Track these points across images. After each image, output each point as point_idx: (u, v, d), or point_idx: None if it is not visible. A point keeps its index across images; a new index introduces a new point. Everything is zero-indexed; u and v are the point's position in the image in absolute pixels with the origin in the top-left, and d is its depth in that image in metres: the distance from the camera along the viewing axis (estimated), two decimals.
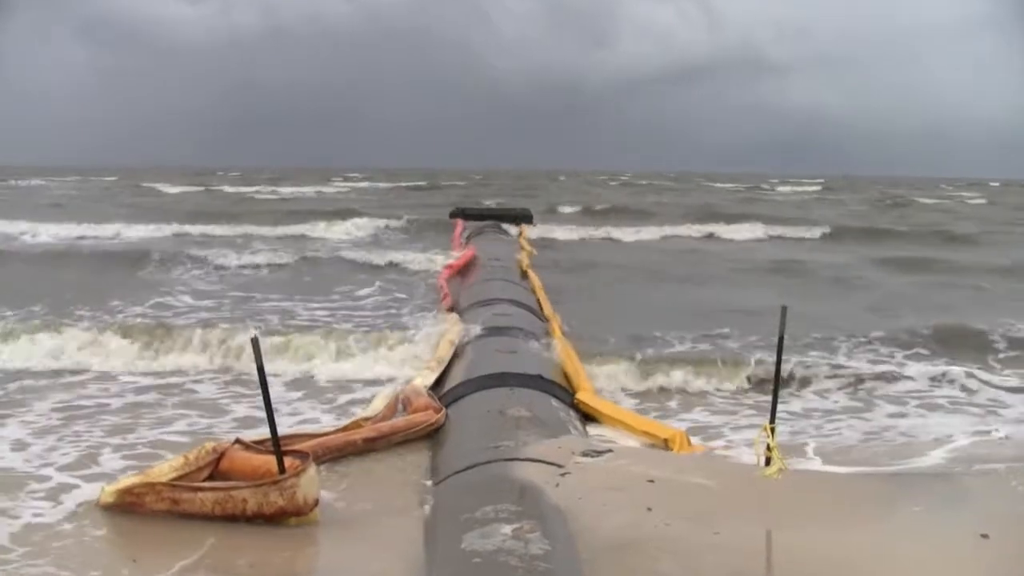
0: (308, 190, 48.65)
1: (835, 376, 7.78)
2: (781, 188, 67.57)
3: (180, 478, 4.29)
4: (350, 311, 11.09)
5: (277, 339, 8.35)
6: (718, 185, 71.43)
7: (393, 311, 11.06)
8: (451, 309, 9.85)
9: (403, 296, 12.35)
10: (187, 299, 11.81)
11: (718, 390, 7.49)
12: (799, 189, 65.67)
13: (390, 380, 7.22)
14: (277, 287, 12.90)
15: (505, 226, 22.00)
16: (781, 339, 4.42)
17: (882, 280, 15.25)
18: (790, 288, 13.79)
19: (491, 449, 4.69)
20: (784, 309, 4.38)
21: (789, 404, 6.99)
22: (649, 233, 24.17)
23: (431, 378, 6.69)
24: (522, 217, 24.96)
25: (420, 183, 59.38)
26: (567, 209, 32.67)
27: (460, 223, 22.14)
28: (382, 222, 24.51)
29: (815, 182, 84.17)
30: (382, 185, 58.80)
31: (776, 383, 4.50)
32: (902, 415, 6.90)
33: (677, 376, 7.57)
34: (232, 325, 8.96)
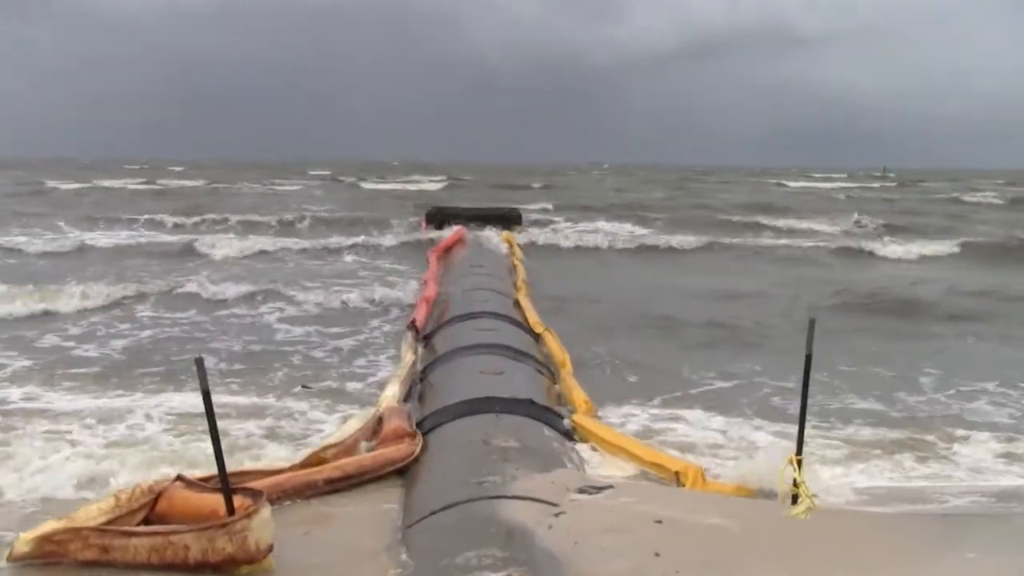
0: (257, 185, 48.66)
1: None
2: (845, 184, 67.08)
3: (110, 522, 4.20)
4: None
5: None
6: (768, 181, 70.13)
7: None
8: (415, 326, 9.86)
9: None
10: None
11: None
12: (865, 184, 65.52)
13: None
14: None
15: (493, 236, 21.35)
16: (808, 358, 4.41)
17: None
18: None
19: (474, 485, 4.67)
20: (812, 322, 4.37)
21: None
22: (721, 243, 23.00)
23: (397, 389, 6.83)
24: (510, 218, 24.81)
25: (412, 179, 58.95)
26: (598, 213, 31.65)
27: (463, 230, 21.02)
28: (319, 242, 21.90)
29: (879, 173, 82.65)
30: (343, 181, 58.65)
31: (803, 408, 4.48)
32: None
33: None
34: None
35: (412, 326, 9.82)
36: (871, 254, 21.73)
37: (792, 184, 66.20)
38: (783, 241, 24.51)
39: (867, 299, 14.24)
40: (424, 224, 24.28)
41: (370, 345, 10.58)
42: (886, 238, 24.45)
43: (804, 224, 28.90)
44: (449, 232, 21.17)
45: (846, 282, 16.11)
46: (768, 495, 4.91)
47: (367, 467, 5.38)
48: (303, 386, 8.31)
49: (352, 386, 8.61)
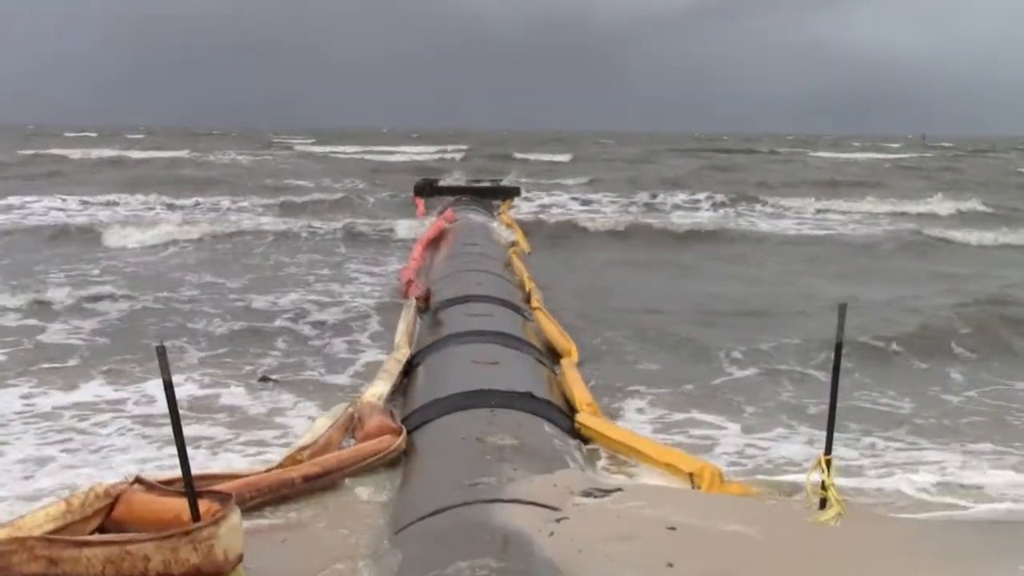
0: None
1: None
2: (899, 155, 65.66)
3: (60, 530, 4.14)
4: None
5: None
6: (817, 155, 67.13)
7: None
8: (427, 299, 9.90)
9: None
10: None
11: None
12: (921, 154, 64.92)
13: None
14: None
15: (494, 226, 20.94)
16: (839, 346, 4.34)
17: None
18: None
19: (467, 487, 4.64)
20: (843, 307, 4.30)
21: None
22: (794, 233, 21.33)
23: (385, 388, 6.75)
24: (507, 192, 24.85)
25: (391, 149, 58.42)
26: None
27: (450, 213, 20.72)
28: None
29: (928, 142, 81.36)
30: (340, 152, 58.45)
31: (832, 403, 4.41)
32: None
33: None
34: None
35: (424, 299, 9.84)
36: (983, 246, 19.37)
37: (832, 155, 64.99)
38: (852, 227, 22.76)
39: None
40: (416, 198, 24.04)
41: (349, 330, 10.52)
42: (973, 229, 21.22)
43: (883, 202, 27.51)
44: (441, 217, 20.82)
45: (955, 282, 14.16)
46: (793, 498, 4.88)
47: (348, 461, 5.37)
48: (262, 378, 8.24)
49: (332, 379, 8.53)
